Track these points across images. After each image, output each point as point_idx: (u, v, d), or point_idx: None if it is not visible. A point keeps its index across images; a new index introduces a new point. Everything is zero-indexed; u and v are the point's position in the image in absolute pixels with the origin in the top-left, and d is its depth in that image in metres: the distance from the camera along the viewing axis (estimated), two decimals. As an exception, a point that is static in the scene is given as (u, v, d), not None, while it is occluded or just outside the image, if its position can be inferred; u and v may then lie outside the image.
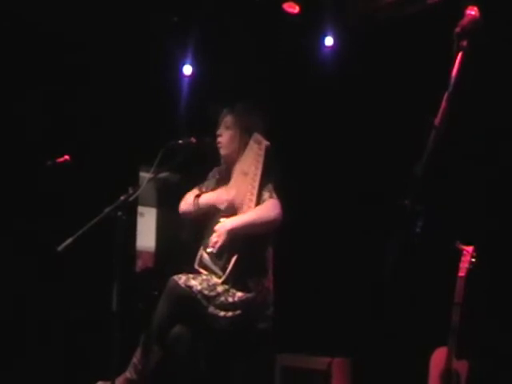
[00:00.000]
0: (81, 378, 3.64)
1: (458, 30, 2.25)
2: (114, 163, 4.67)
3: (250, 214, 3.34)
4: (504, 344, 3.62)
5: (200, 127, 3.73)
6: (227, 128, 3.55)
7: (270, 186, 3.40)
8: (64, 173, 3.62)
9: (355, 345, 4.14)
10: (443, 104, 2.21)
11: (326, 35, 4.58)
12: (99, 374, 3.30)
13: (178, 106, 4.98)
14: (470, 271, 3.44)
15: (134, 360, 3.35)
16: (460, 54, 2.23)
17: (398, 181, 2.44)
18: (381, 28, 4.39)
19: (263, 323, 3.35)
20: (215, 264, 3.37)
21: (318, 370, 4.14)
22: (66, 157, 3.59)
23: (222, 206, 3.45)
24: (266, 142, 3.42)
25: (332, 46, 4.60)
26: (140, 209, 5.16)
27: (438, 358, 3.41)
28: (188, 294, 3.23)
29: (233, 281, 3.29)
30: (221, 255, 3.35)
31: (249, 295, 3.29)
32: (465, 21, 2.26)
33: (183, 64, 4.96)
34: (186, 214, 3.61)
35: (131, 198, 3.11)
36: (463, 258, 3.47)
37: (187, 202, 3.61)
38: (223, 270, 3.32)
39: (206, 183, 3.67)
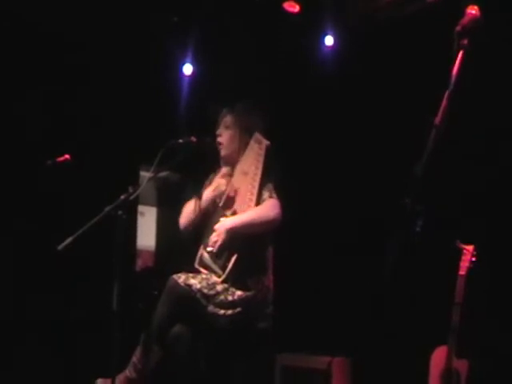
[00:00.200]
0: (81, 376, 3.64)
1: (458, 28, 2.24)
2: (114, 162, 4.67)
3: (249, 214, 3.35)
4: (504, 343, 3.62)
5: (200, 127, 3.73)
6: (227, 128, 3.56)
7: (269, 186, 3.40)
8: (64, 172, 3.62)
9: (355, 344, 4.14)
10: (444, 103, 2.20)
11: (326, 35, 4.58)
12: (99, 373, 3.30)
13: (178, 106, 4.98)
14: (470, 270, 3.44)
15: (134, 359, 3.35)
16: (461, 53, 2.23)
17: (398, 180, 2.44)
18: (381, 28, 4.39)
19: (263, 322, 3.35)
20: (215, 263, 3.37)
21: (318, 369, 4.13)
22: (67, 156, 3.59)
23: (220, 197, 3.45)
24: (266, 142, 3.42)
25: (332, 46, 4.60)
26: (140, 208, 5.16)
27: (439, 357, 3.41)
28: (187, 292, 3.23)
29: (232, 280, 3.29)
30: (221, 254, 3.35)
31: (248, 294, 3.29)
32: (465, 19, 2.26)
33: (183, 64, 4.96)
34: (187, 226, 3.60)
35: (131, 197, 3.11)
36: (463, 258, 3.47)
37: (186, 213, 3.60)
38: (223, 268, 3.32)
39: (202, 191, 3.65)
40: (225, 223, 3.35)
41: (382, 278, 2.19)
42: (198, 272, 3.41)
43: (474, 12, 2.28)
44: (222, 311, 3.25)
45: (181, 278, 3.27)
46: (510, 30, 3.66)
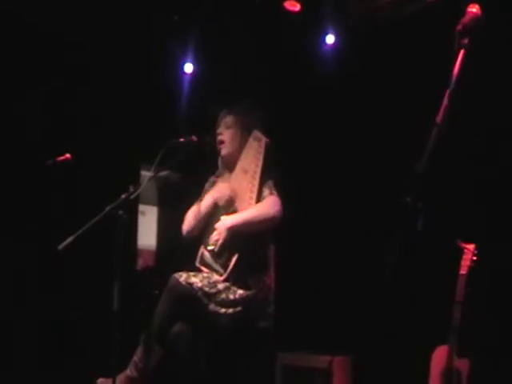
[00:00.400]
0: (81, 376, 3.64)
1: (459, 27, 2.24)
2: (114, 162, 4.67)
3: (250, 211, 3.35)
4: (505, 342, 3.62)
5: (200, 126, 3.74)
6: (228, 127, 3.57)
7: (270, 183, 3.40)
8: (65, 172, 3.62)
9: (356, 343, 4.13)
10: (444, 102, 2.20)
11: (326, 34, 4.58)
12: (100, 372, 3.30)
13: (179, 105, 4.99)
14: (471, 269, 3.43)
15: (135, 358, 3.35)
16: (461, 52, 2.23)
17: (398, 179, 2.44)
18: (381, 28, 4.39)
19: (264, 321, 3.35)
20: (216, 262, 3.37)
21: (318, 368, 4.13)
22: (67, 155, 3.59)
23: (222, 201, 3.45)
24: (265, 139, 3.42)
25: (333, 45, 4.60)
26: (141, 207, 5.16)
27: (439, 356, 3.41)
28: (189, 291, 3.23)
29: (234, 278, 3.29)
30: (222, 253, 3.35)
31: (249, 293, 3.29)
32: (466, 18, 2.25)
33: (183, 63, 4.97)
34: (190, 232, 3.59)
35: (132, 197, 3.11)
36: (464, 256, 3.47)
37: (188, 219, 3.59)
38: (224, 267, 3.32)
39: (203, 195, 3.66)
40: (225, 221, 3.36)
41: (383, 278, 2.19)
42: (199, 271, 3.41)
43: (474, 11, 2.28)
44: (223, 310, 3.25)
45: (182, 276, 3.27)
46: (510, 30, 3.66)
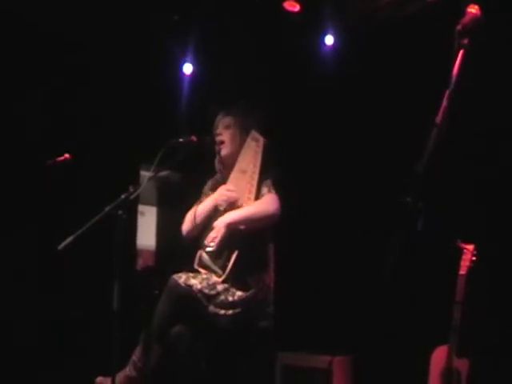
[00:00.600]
0: (81, 374, 3.64)
1: (459, 27, 2.24)
2: (114, 162, 4.67)
3: (248, 208, 3.35)
4: (505, 342, 3.62)
5: (200, 126, 3.74)
6: (227, 128, 3.57)
7: (268, 182, 3.41)
8: (64, 172, 3.62)
9: (356, 343, 4.14)
10: (444, 102, 2.20)
11: (326, 34, 4.58)
12: (100, 372, 3.30)
13: (178, 105, 4.99)
14: (470, 269, 3.44)
15: (134, 358, 3.34)
16: (461, 52, 2.23)
17: (398, 179, 2.44)
18: (381, 28, 4.39)
19: (264, 321, 3.35)
20: (215, 263, 3.37)
21: (318, 368, 4.13)
22: (66, 155, 3.59)
23: (222, 207, 3.45)
24: (263, 139, 3.43)
25: (332, 45, 4.60)
26: (140, 207, 5.16)
27: (439, 356, 3.41)
28: (188, 292, 3.22)
29: (233, 279, 3.29)
30: (220, 254, 3.35)
31: (249, 294, 3.29)
32: (466, 19, 2.26)
33: (183, 63, 4.97)
34: (190, 233, 3.58)
35: (132, 197, 3.11)
36: (464, 257, 3.47)
37: (187, 221, 3.59)
38: (223, 268, 3.31)
39: (202, 198, 3.66)
40: (224, 219, 3.35)
41: (383, 278, 2.19)
42: (199, 272, 3.41)
43: (474, 11, 2.28)
44: (223, 311, 3.25)
45: (181, 278, 3.26)
46: (510, 29, 3.66)
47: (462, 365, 3.35)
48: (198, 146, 3.42)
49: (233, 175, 3.51)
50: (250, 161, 3.43)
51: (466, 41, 2.23)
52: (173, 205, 3.75)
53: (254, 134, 3.47)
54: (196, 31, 4.73)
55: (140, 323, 3.42)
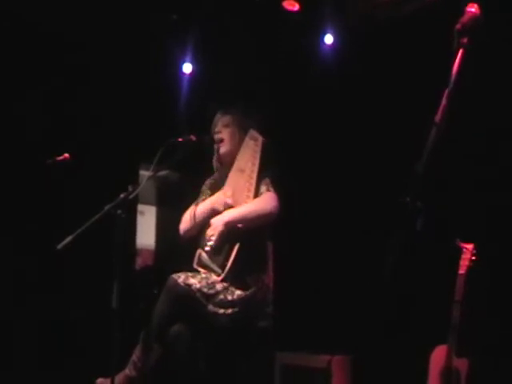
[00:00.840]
0: (81, 375, 3.64)
1: (458, 26, 2.24)
2: (114, 161, 4.67)
3: (247, 206, 3.35)
4: (504, 342, 3.62)
5: (200, 126, 3.74)
6: (226, 126, 3.57)
7: (267, 180, 3.40)
8: (64, 171, 3.62)
9: (355, 343, 4.13)
10: (443, 101, 2.20)
11: (325, 33, 4.58)
12: (99, 372, 3.30)
13: (178, 105, 4.99)
14: (470, 269, 3.43)
15: (134, 357, 3.34)
16: (460, 51, 2.23)
17: (398, 179, 2.44)
18: (381, 28, 4.39)
19: (263, 321, 3.34)
20: (213, 262, 3.36)
21: (318, 368, 4.12)
22: (66, 155, 3.59)
23: (221, 208, 3.45)
24: (262, 138, 3.43)
25: (332, 45, 4.60)
26: (140, 207, 5.17)
27: (438, 355, 3.41)
28: (187, 292, 3.22)
29: (232, 278, 3.29)
30: (219, 253, 3.34)
31: (248, 293, 3.28)
32: (465, 18, 2.25)
33: (183, 63, 4.97)
34: (187, 232, 3.58)
35: (131, 196, 3.11)
36: (463, 256, 3.46)
37: (185, 220, 3.59)
38: (222, 267, 3.31)
39: (201, 197, 3.65)
40: (222, 217, 3.35)
41: (382, 277, 2.19)
42: (198, 272, 3.41)
43: (473, 10, 2.27)
44: (222, 310, 3.24)
45: (180, 277, 3.26)
46: (510, 29, 3.66)
47: (461, 364, 3.35)
48: (198, 146, 3.43)
49: (231, 174, 3.51)
50: (248, 160, 3.43)
51: (465, 40, 2.23)
52: (172, 204, 3.75)
53: (253, 132, 3.47)
54: (196, 31, 4.73)
55: (139, 323, 3.42)
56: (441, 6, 3.76)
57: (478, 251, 3.48)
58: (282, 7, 4.47)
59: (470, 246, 3.48)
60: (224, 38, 4.76)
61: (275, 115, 4.38)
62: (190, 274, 3.32)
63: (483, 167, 3.82)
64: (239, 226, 3.31)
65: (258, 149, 3.41)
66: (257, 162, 3.40)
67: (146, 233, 5.25)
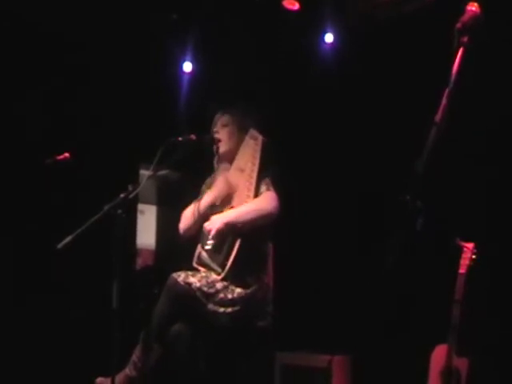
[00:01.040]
0: (81, 375, 3.64)
1: (458, 25, 2.24)
2: (114, 161, 4.67)
3: (246, 206, 3.35)
4: (504, 341, 3.62)
5: (200, 125, 3.74)
6: (225, 126, 3.58)
7: (267, 180, 3.41)
8: (64, 171, 3.62)
9: (355, 342, 4.14)
10: (444, 100, 2.20)
11: (325, 33, 4.59)
12: (99, 371, 3.30)
13: (178, 104, 4.99)
14: (470, 268, 3.43)
15: (134, 357, 3.35)
16: (461, 50, 2.23)
17: (398, 178, 2.44)
18: (381, 28, 4.39)
19: (263, 321, 3.34)
20: (213, 261, 3.36)
21: (318, 367, 4.12)
22: (66, 154, 3.59)
23: (220, 199, 3.44)
24: (262, 138, 3.43)
25: (332, 43, 4.60)
26: (140, 206, 5.17)
27: (439, 355, 3.40)
28: (187, 291, 3.22)
29: (232, 277, 3.29)
30: (219, 251, 3.34)
31: (248, 291, 3.29)
32: (465, 17, 2.26)
33: (183, 62, 4.97)
34: (187, 231, 3.58)
35: (131, 196, 3.11)
36: (463, 255, 3.46)
37: (185, 217, 3.58)
38: (222, 266, 3.31)
39: (201, 197, 3.64)
40: (222, 217, 3.34)
41: (383, 276, 2.19)
42: (197, 270, 3.41)
43: (473, 9, 2.28)
44: (222, 309, 3.24)
45: (180, 276, 3.26)
46: (510, 29, 3.66)
47: (461, 364, 3.35)
48: (198, 145, 3.43)
49: (231, 173, 3.51)
50: (248, 159, 3.43)
51: (465, 39, 2.23)
52: (172, 204, 3.75)
53: (253, 132, 3.48)
54: (196, 31, 4.73)
55: (140, 322, 3.42)
56: (441, 6, 3.76)
57: (478, 250, 3.48)
58: (282, 7, 4.48)
59: (470, 246, 3.48)
60: (224, 38, 4.76)
61: (275, 115, 4.38)
62: (189, 272, 3.32)
63: (483, 167, 3.82)
64: (239, 225, 3.31)
65: (258, 148, 3.41)
66: (257, 161, 3.40)
67: (146, 232, 5.25)
